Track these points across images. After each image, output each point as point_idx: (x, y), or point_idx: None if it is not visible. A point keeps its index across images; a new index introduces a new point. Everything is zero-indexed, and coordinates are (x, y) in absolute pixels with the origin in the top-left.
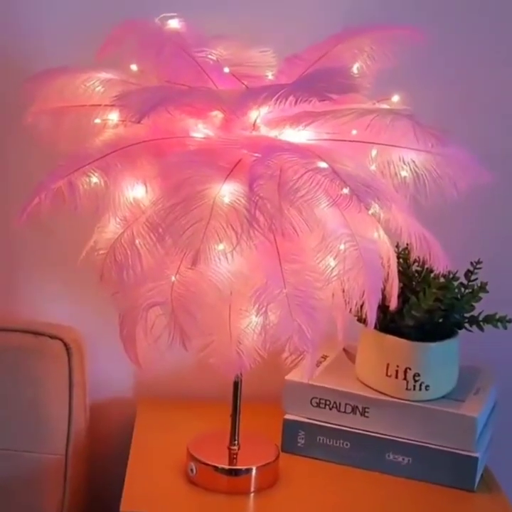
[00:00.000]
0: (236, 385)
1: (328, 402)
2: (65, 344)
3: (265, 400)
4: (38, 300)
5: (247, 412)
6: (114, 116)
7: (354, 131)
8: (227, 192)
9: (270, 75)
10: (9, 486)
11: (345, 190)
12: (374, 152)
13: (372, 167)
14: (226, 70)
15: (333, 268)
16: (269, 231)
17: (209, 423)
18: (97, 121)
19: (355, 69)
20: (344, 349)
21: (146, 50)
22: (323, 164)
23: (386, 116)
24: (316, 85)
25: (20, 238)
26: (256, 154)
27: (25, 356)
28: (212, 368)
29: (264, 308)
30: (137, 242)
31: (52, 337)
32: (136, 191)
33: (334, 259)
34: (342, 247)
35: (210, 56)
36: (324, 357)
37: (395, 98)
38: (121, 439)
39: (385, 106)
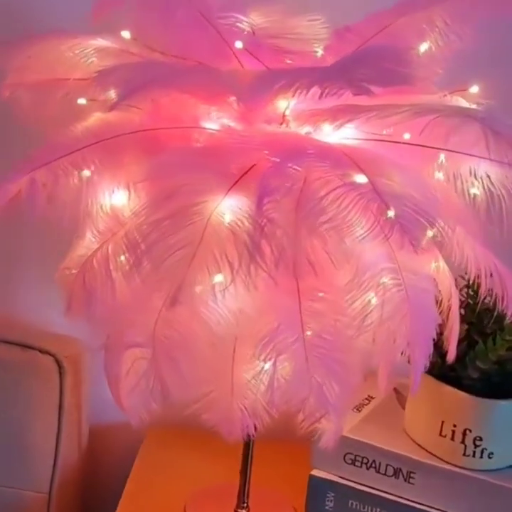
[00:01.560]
0: (247, 447)
1: (365, 460)
2: (57, 360)
3: (286, 440)
4: (37, 304)
5: (261, 457)
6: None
7: (407, 135)
8: (228, 209)
9: (320, 51)
10: None
11: (390, 213)
12: (442, 156)
13: (439, 175)
14: (239, 44)
15: (367, 314)
16: (276, 267)
17: (219, 465)
18: (81, 101)
19: (421, 48)
20: (395, 390)
21: (153, 12)
22: (361, 178)
23: (450, 119)
24: (352, 72)
25: (19, 238)
26: (274, 158)
27: (10, 373)
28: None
29: (273, 360)
30: (111, 265)
31: (42, 351)
32: (117, 197)
33: (370, 301)
34: (381, 286)
35: (238, 24)
36: (369, 398)
37: (474, 89)
38: (121, 467)
39: (456, 100)
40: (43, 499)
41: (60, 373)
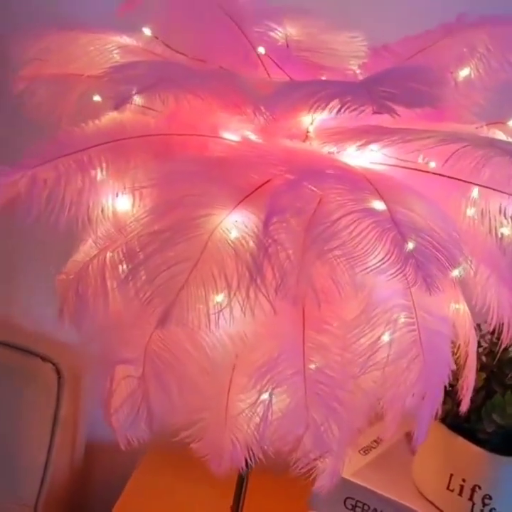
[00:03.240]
0: (240, 482)
1: (366, 507)
2: (58, 370)
3: (282, 474)
4: (40, 309)
5: (256, 489)
6: None
7: (433, 164)
8: (233, 225)
9: (357, 69)
10: None
11: (409, 246)
12: (475, 191)
13: (471, 212)
14: (261, 50)
15: (374, 352)
16: (276, 293)
17: (212, 491)
18: (97, 98)
19: (460, 75)
20: (408, 433)
21: (180, 12)
22: (379, 204)
23: (479, 149)
24: (375, 88)
25: (22, 244)
26: (289, 175)
27: (8, 378)
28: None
29: (267, 392)
30: (107, 273)
31: (44, 359)
32: (120, 202)
33: (379, 339)
34: (392, 323)
35: (271, 32)
36: (378, 441)
37: None
38: (114, 491)
39: (493, 133)
40: None
41: (59, 384)
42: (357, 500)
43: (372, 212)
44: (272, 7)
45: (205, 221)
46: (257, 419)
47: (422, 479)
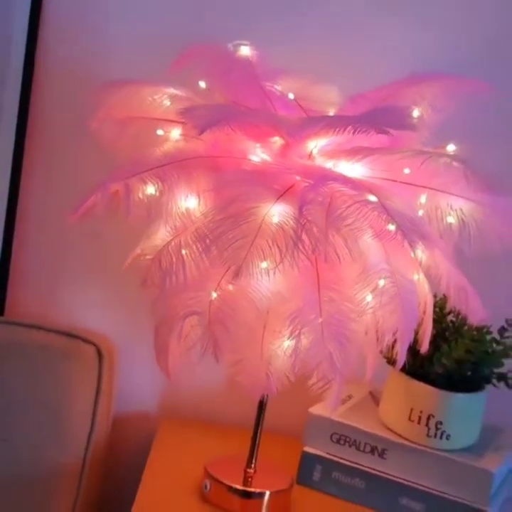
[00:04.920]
0: (260, 407)
1: (348, 439)
2: (98, 350)
3: (287, 431)
4: (77, 305)
5: (268, 443)
6: (176, 131)
7: (407, 170)
8: (277, 212)
9: (331, 113)
10: (26, 482)
11: (391, 226)
12: (423, 198)
13: (420, 212)
14: (291, 96)
15: (369, 301)
16: (312, 254)
17: (229, 447)
18: (160, 132)
19: (415, 113)
20: (370, 392)
21: (216, 71)
22: (372, 198)
23: (440, 159)
24: (374, 119)
25: (67, 242)
26: (309, 181)
27: (58, 357)
28: (239, 387)
29: (297, 332)
30: (184, 251)
31: (86, 341)
32: (189, 202)
33: (372, 292)
34: (381, 281)
35: (276, 86)
36: (350, 396)
37: (451, 147)
38: (139, 453)
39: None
40: (78, 464)
41: (100, 361)
42: (340, 435)
43: (369, 202)
44: (272, 66)
45: (256, 211)
46: (285, 357)
47: (388, 416)
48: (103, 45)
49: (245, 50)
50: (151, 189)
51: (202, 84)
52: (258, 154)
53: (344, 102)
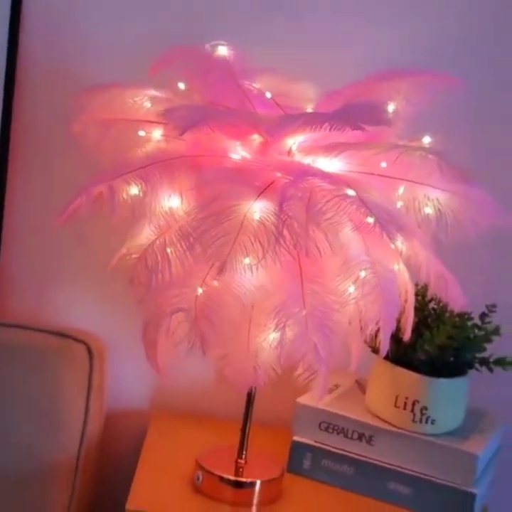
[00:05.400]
0: (249, 398)
1: (336, 427)
2: (89, 349)
3: (276, 422)
4: (66, 305)
5: (258, 432)
6: (158, 132)
7: (383, 164)
8: (258, 209)
9: (308, 109)
10: (20, 481)
11: (370, 219)
12: (401, 189)
13: (399, 204)
14: (268, 95)
15: (351, 292)
16: (294, 249)
17: (220, 439)
18: (142, 133)
19: (390, 108)
20: (357, 381)
21: (194, 72)
22: (351, 192)
23: (415, 153)
24: (350, 115)
25: (54, 243)
26: (288, 177)
27: (48, 356)
28: (227, 381)
29: (282, 324)
30: (168, 249)
31: (76, 340)
32: (172, 201)
33: (353, 283)
34: (362, 273)
35: (253, 84)
36: (336, 386)
37: (426, 139)
38: (133, 448)
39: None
40: (72, 461)
41: (90, 359)
42: (328, 423)
43: (347, 196)
44: (249, 65)
45: (237, 208)
46: (270, 349)
47: (374, 404)
48: (84, 48)
49: (223, 50)
50: (134, 190)
51: (181, 85)
52: (238, 152)
53: (320, 98)
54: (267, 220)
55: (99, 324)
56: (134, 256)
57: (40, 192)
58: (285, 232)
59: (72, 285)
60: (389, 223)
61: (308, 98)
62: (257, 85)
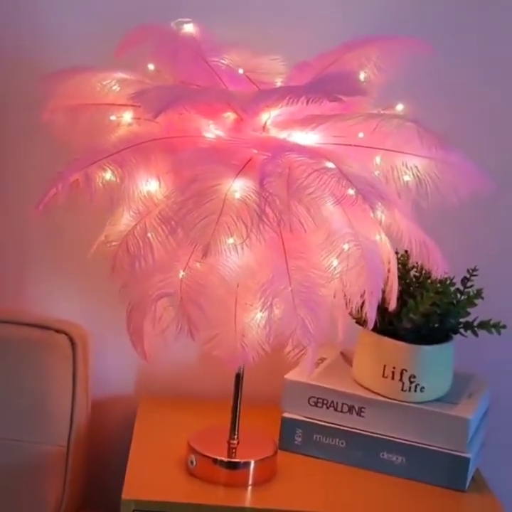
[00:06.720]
0: (238, 378)
1: (325, 402)
2: (71, 339)
3: (265, 401)
4: (46, 297)
5: (248, 412)
6: (129, 115)
7: (361, 134)
8: (239, 188)
9: (279, 82)
10: (11, 474)
11: (351, 191)
12: (378, 159)
13: (377, 173)
14: (240, 71)
15: (336, 266)
16: (277, 226)
17: (210, 420)
18: (113, 118)
19: (361, 76)
20: (342, 353)
21: (162, 52)
22: (330, 164)
23: (392, 121)
24: (326, 87)
25: (31, 235)
26: (266, 153)
27: (32, 349)
28: (216, 361)
29: (269, 303)
30: (149, 234)
31: (58, 331)
32: (150, 185)
33: (337, 257)
34: (345, 246)
35: (222, 61)
36: (322, 359)
37: (400, 107)
38: (122, 434)
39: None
40: (62, 451)
41: (73, 349)
42: (318, 398)
43: (327, 169)
44: (217, 41)
45: (218, 188)
46: (258, 328)
47: (362, 375)
48: (48, 34)
49: (189, 28)
50: (110, 175)
51: (150, 66)
52: (212, 131)
53: (290, 70)
54: (249, 199)
55: (82, 313)
56: (114, 243)
57: (16, 182)
58: (267, 210)
59: (51, 275)
60: (370, 194)
61: (278, 72)
62: (225, 61)
